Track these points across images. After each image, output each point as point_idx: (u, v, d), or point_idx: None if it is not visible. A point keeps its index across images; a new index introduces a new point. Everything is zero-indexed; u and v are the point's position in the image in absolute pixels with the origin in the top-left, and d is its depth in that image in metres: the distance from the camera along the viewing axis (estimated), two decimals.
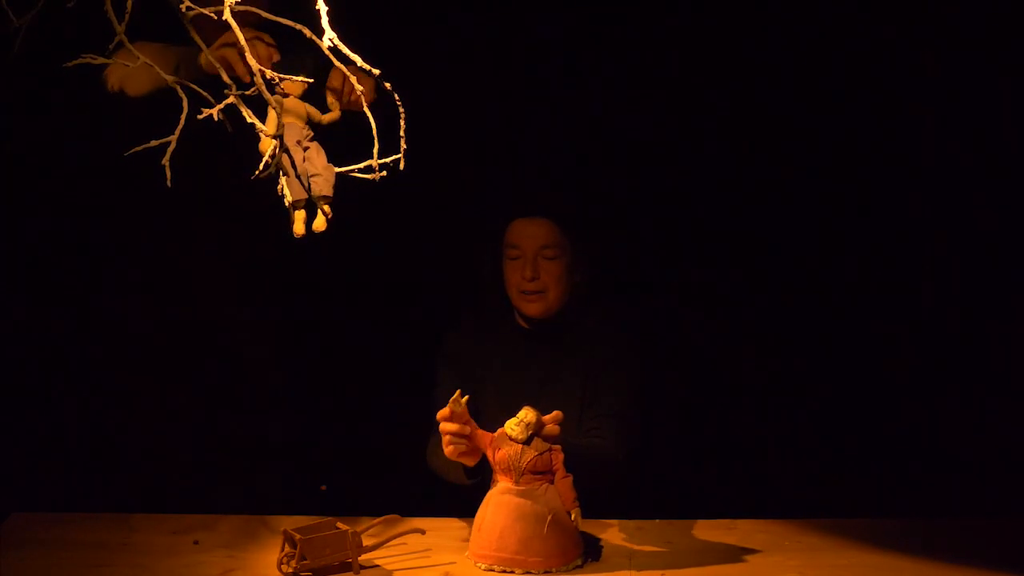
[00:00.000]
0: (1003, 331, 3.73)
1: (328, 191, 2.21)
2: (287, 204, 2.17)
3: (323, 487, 3.18)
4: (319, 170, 2.24)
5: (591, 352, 3.11)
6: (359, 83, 2.00)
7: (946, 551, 2.72)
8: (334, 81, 2.69)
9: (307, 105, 2.38)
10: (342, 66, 1.89)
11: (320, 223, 2.21)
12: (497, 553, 2.63)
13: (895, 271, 3.79)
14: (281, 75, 1.96)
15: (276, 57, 2.73)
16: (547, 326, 3.12)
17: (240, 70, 2.66)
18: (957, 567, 2.65)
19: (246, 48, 1.91)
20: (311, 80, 2.18)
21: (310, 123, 2.36)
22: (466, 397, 2.63)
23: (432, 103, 3.47)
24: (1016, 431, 3.69)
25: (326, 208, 2.20)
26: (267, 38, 2.77)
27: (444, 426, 2.65)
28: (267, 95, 1.92)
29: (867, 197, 3.77)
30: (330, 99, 2.55)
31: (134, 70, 2.80)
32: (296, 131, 2.29)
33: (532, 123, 3.78)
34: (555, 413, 2.67)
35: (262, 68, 1.91)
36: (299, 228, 2.20)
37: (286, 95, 2.31)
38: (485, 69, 3.75)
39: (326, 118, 2.42)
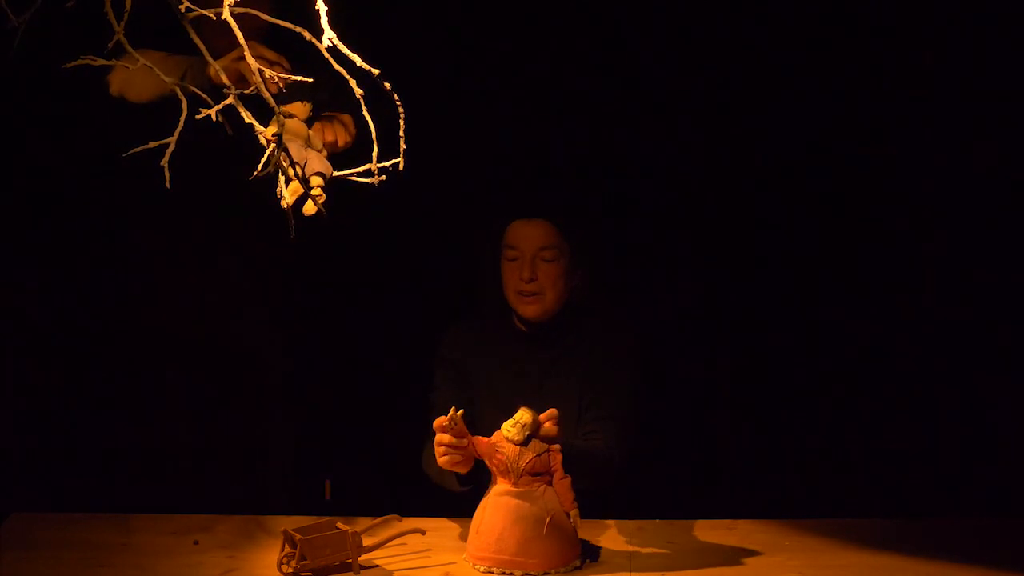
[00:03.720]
0: (1003, 331, 3.73)
1: (320, 169, 2.19)
2: (283, 205, 2.16)
3: (327, 491, 3.19)
4: (313, 155, 2.21)
5: (589, 354, 3.11)
6: (346, 132, 1.96)
7: (946, 551, 2.72)
8: (327, 135, 2.77)
9: (309, 130, 2.35)
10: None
11: (310, 208, 2.18)
12: (496, 555, 2.63)
13: (895, 271, 3.79)
14: (283, 77, 1.96)
15: (286, 64, 2.74)
16: (544, 328, 3.12)
17: (254, 81, 2.64)
18: (957, 567, 2.65)
19: (245, 48, 1.91)
20: (311, 82, 2.17)
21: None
22: (461, 411, 2.63)
23: (432, 103, 3.48)
24: (1016, 431, 3.69)
25: (317, 191, 2.16)
26: (271, 53, 2.81)
27: (439, 437, 2.65)
28: (267, 96, 1.91)
29: (869, 198, 3.77)
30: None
31: (135, 76, 2.81)
32: (296, 148, 2.27)
33: (532, 124, 3.78)
34: (550, 411, 2.66)
35: (265, 71, 1.90)
36: (289, 198, 2.14)
37: (289, 116, 2.28)
38: (485, 70, 3.75)
39: (318, 146, 2.40)
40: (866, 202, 3.77)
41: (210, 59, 1.92)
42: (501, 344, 3.16)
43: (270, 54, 2.81)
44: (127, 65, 1.89)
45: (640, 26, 3.73)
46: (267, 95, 1.89)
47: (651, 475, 3.37)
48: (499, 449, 2.64)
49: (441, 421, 2.63)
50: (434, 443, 2.67)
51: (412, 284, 3.84)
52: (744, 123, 3.75)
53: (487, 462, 2.67)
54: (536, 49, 3.75)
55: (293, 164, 2.09)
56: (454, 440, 2.63)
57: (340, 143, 2.94)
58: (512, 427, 2.62)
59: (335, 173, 2.20)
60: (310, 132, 2.34)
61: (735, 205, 3.80)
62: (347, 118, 2.99)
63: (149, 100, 2.97)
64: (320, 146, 2.33)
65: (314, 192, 2.15)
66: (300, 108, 2.31)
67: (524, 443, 2.63)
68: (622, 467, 2.99)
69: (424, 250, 3.83)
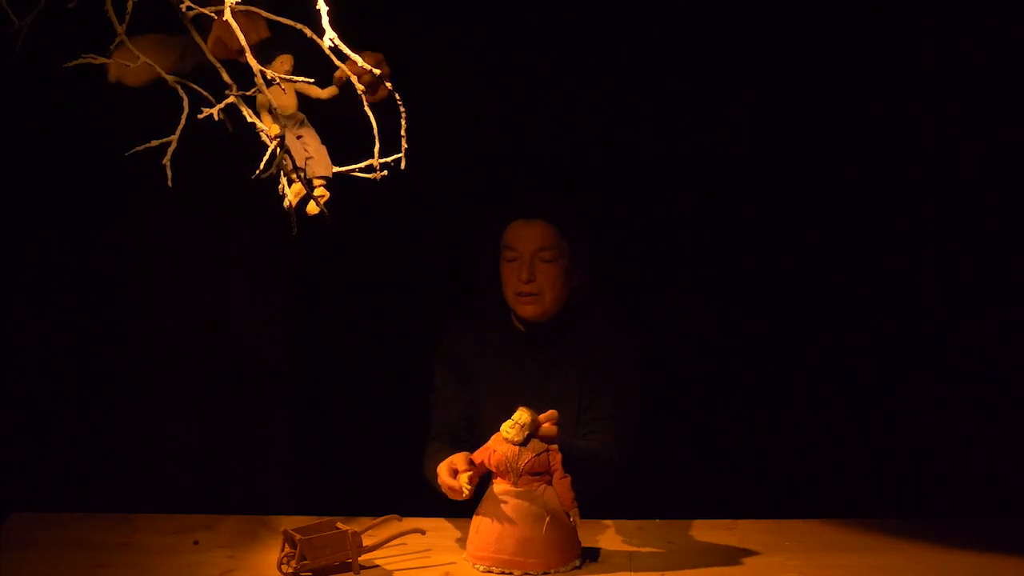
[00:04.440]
0: (1003, 331, 3.73)
1: (323, 171, 2.18)
2: (285, 205, 2.16)
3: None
4: (312, 152, 2.21)
5: (588, 355, 3.11)
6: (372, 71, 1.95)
7: (946, 551, 2.72)
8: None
9: (296, 86, 2.31)
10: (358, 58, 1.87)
11: (313, 207, 2.18)
12: (495, 555, 2.63)
13: (895, 271, 3.79)
14: (282, 77, 1.96)
15: (264, 32, 2.68)
16: (544, 328, 3.12)
17: (234, 45, 2.59)
18: (957, 567, 2.65)
19: (247, 49, 1.91)
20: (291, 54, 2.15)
21: (305, 104, 2.32)
22: (473, 479, 2.68)
23: (431, 103, 3.48)
24: (1016, 431, 3.69)
25: (319, 191, 2.16)
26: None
27: (444, 480, 2.72)
28: (264, 90, 1.91)
29: (869, 198, 3.77)
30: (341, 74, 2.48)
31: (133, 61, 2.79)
32: (297, 149, 2.26)
33: (530, 124, 3.78)
34: (550, 412, 2.66)
35: (266, 71, 1.90)
36: (292, 199, 2.13)
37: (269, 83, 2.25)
38: (484, 70, 3.75)
39: (324, 93, 2.36)
40: (865, 203, 3.78)
41: (211, 57, 1.92)
42: (501, 344, 3.16)
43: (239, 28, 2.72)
44: (127, 63, 1.89)
45: (640, 26, 3.73)
46: (266, 93, 1.89)
47: (651, 475, 3.37)
48: (495, 450, 2.65)
49: (453, 485, 2.69)
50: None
51: (412, 284, 3.84)
52: (744, 123, 3.75)
53: (486, 463, 2.67)
54: (536, 49, 3.75)
55: (296, 168, 2.09)
56: (459, 491, 2.70)
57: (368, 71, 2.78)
58: (511, 427, 2.63)
59: (337, 169, 2.20)
60: (299, 87, 2.29)
61: (734, 204, 3.80)
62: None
63: (146, 84, 2.96)
64: (316, 93, 2.30)
65: (316, 192, 2.15)
66: (279, 64, 2.26)
67: (523, 443, 2.63)
68: (622, 467, 2.99)
69: (424, 250, 3.83)
